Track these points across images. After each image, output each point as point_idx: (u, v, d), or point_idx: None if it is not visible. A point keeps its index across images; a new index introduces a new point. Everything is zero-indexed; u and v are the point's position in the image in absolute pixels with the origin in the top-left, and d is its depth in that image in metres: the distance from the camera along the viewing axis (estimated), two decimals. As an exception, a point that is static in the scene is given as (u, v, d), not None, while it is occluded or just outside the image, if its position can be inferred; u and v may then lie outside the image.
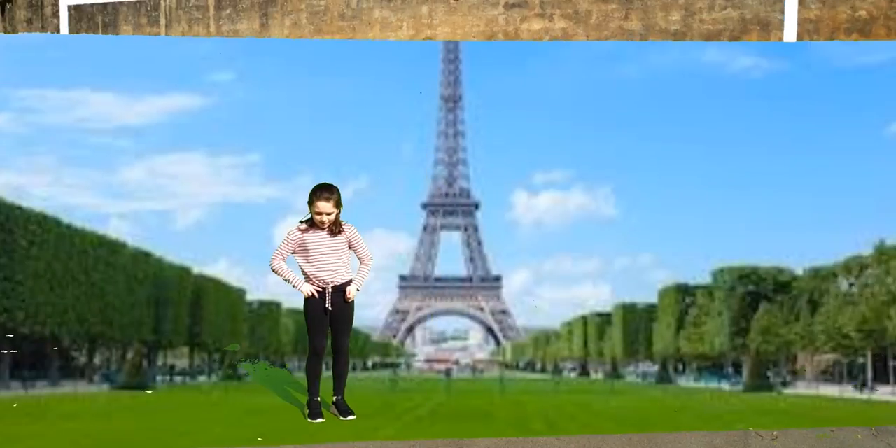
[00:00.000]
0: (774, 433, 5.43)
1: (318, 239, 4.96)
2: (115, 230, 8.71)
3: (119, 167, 8.69)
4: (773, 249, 8.35)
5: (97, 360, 8.57)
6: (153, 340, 8.66)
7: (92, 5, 6.03)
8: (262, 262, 8.67)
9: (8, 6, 6.02)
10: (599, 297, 8.59)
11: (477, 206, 8.76)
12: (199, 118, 8.73)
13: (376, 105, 8.88)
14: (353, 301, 5.08)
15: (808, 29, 4.84)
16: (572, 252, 8.64)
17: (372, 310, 8.76)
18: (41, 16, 6.17)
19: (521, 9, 5.57)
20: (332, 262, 4.96)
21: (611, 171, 8.62)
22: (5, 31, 6.05)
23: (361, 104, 8.89)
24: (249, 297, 8.75)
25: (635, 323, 8.56)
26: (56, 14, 6.12)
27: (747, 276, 8.43)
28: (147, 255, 8.72)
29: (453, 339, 8.74)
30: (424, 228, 8.86)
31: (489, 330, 8.83)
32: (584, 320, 8.63)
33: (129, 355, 8.62)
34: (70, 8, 6.06)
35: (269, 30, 5.91)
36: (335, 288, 4.98)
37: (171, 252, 8.73)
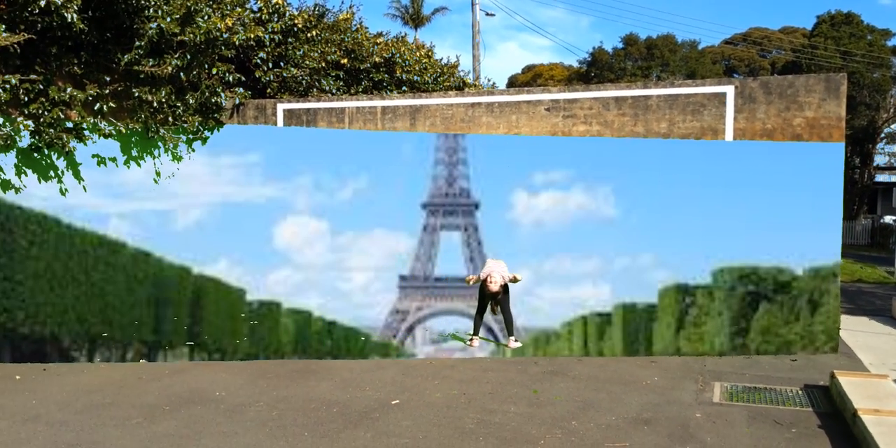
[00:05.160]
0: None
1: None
2: (115, 230, 8.78)
3: (119, 167, 8.75)
4: (773, 249, 8.43)
5: (97, 360, 8.64)
6: (153, 340, 8.73)
7: (299, 109, 8.97)
8: (262, 262, 8.81)
9: (241, 108, 8.95)
10: (599, 297, 8.68)
11: (477, 206, 8.83)
12: (200, 118, 8.85)
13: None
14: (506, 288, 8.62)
15: (738, 134, 8.55)
16: (572, 252, 8.72)
17: (372, 310, 8.84)
18: (265, 114, 9.01)
19: (573, 118, 8.80)
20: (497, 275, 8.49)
21: (611, 171, 8.70)
22: (239, 124, 9.01)
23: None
24: (249, 297, 8.83)
25: (635, 323, 8.63)
26: (275, 114, 9.01)
27: (747, 276, 8.51)
28: (147, 255, 8.80)
29: (453, 339, 8.80)
30: (424, 228, 8.95)
31: (489, 330, 8.90)
32: (584, 320, 8.69)
33: (130, 355, 8.69)
34: (284, 110, 8.97)
35: (416, 127, 8.92)
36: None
37: (171, 252, 8.82)
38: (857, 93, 31.74)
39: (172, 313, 8.80)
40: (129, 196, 8.85)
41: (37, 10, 7.55)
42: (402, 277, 8.93)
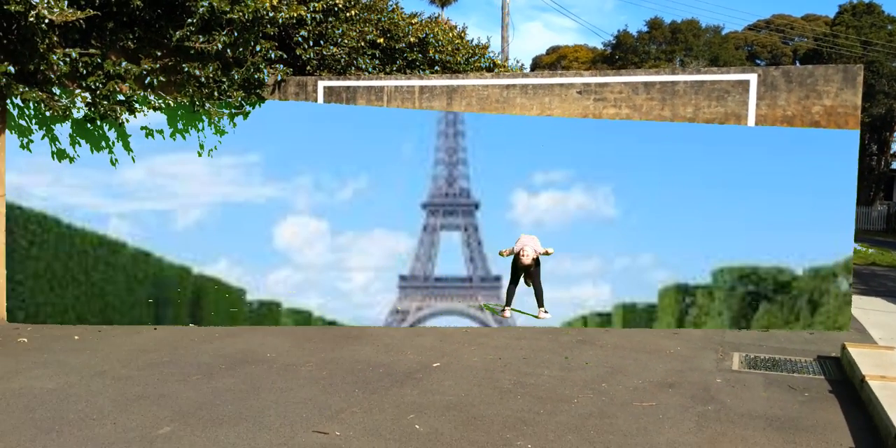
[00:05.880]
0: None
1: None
2: (115, 230, 8.80)
3: (119, 167, 8.77)
4: (773, 249, 8.43)
5: (97, 360, 8.66)
6: (153, 340, 8.75)
7: (339, 87, 9.17)
8: (262, 262, 8.80)
9: (282, 84, 9.16)
10: (599, 297, 8.68)
11: (477, 206, 8.83)
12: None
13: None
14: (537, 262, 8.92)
15: (760, 120, 8.81)
16: (572, 252, 8.73)
17: (372, 310, 8.85)
18: (305, 91, 9.20)
19: (603, 101, 9.05)
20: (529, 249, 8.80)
21: (611, 171, 8.71)
22: (280, 99, 9.20)
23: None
24: (249, 297, 8.83)
25: (635, 323, 8.64)
26: (315, 91, 9.21)
27: (747, 276, 8.50)
28: (147, 255, 8.82)
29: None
30: (424, 228, 8.95)
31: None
32: (584, 320, 8.70)
33: (130, 355, 8.71)
34: (325, 87, 9.17)
35: (452, 107, 9.19)
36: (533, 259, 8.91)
37: (171, 252, 8.83)
38: (876, 81, 31.91)
39: (173, 313, 8.82)
40: (129, 196, 8.87)
41: None
42: (402, 277, 8.95)
